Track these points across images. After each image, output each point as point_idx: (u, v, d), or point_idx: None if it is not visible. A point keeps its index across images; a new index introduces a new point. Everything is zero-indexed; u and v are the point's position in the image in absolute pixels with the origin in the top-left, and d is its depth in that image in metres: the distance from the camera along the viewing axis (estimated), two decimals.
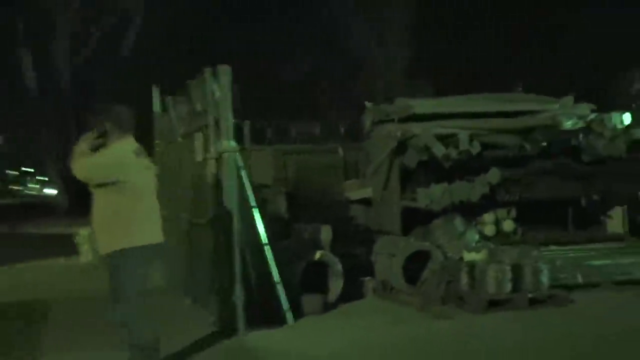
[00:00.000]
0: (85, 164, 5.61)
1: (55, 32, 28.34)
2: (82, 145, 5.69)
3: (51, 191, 36.08)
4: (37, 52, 28.44)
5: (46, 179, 42.26)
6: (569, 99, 10.02)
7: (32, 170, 61.20)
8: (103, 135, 5.71)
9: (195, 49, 24.25)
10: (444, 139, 9.19)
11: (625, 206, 9.44)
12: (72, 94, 29.08)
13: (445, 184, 9.28)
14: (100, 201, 5.65)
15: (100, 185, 5.57)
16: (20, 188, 65.18)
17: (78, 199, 29.63)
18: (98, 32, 28.73)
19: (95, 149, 5.66)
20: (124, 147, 5.66)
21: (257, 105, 10.94)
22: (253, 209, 7.49)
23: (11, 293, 10.17)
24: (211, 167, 7.25)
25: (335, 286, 8.37)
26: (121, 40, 29.38)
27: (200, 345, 6.90)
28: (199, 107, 7.92)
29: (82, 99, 29.24)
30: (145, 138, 12.14)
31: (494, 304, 7.70)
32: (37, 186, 59.68)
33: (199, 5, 28.09)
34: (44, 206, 34.57)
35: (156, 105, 10.60)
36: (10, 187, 63.32)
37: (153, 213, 5.79)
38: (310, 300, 7.97)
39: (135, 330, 5.55)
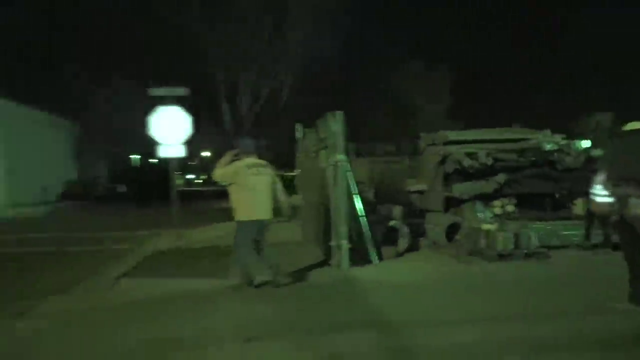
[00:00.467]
0: (217, 172, 6.14)
1: (239, 89, 29.06)
2: (222, 161, 6.21)
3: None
4: (230, 102, 29.25)
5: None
6: (547, 132, 9.79)
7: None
8: (237, 154, 6.17)
9: (321, 100, 24.41)
10: (470, 155, 9.07)
11: (584, 198, 9.00)
12: (251, 131, 29.93)
13: (470, 182, 9.13)
14: (231, 193, 6.12)
15: (228, 184, 6.06)
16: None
17: None
18: (266, 89, 29.25)
19: (230, 162, 6.13)
20: (241, 163, 6.08)
21: (354, 133, 10.99)
22: (354, 195, 7.50)
23: (214, 240, 10.37)
24: (330, 171, 7.28)
25: (403, 243, 8.30)
26: (280, 94, 29.84)
27: (319, 274, 6.96)
28: (322, 134, 8.01)
29: (258, 133, 30.16)
30: (292, 152, 12.42)
31: (501, 256, 7.48)
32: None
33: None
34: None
35: (299, 133, 10.76)
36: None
37: (262, 201, 6.03)
38: (387, 251, 7.91)
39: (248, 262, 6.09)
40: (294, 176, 22.38)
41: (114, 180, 33.55)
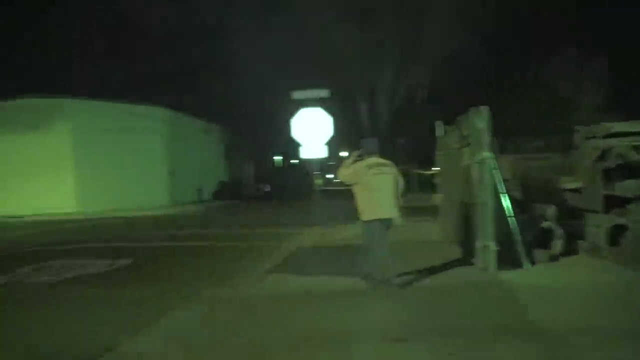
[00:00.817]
0: (340, 172, 6.23)
1: (378, 92, 29.12)
2: (346, 161, 6.26)
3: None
4: (368, 102, 29.43)
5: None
6: None
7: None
8: (361, 155, 6.17)
9: (461, 96, 23.44)
10: (636, 148, 8.09)
11: None
12: (389, 129, 29.83)
13: (636, 179, 8.15)
14: (355, 193, 6.10)
15: (351, 184, 6.10)
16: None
17: None
18: (403, 87, 29.02)
19: (353, 162, 6.15)
20: (362, 164, 6.07)
21: (499, 129, 10.38)
22: (502, 194, 7.08)
23: (354, 238, 10.44)
24: (475, 169, 6.93)
25: (557, 245, 7.66)
26: (418, 91, 29.42)
27: (464, 276, 6.66)
28: (465, 131, 7.67)
29: (395, 129, 30.03)
30: (430, 150, 12.10)
31: None
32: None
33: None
34: None
35: (439, 132, 10.43)
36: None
37: (384, 201, 5.95)
38: (539, 254, 7.35)
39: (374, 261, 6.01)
40: (433, 174, 21.83)
41: (260, 180, 35.59)
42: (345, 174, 6.20)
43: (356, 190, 6.14)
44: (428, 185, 30.25)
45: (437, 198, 11.66)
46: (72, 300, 6.61)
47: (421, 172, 37.62)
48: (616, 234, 7.61)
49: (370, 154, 6.20)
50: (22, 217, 24.48)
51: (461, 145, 8.18)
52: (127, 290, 7.03)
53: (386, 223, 6.05)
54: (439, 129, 10.47)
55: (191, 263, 9.21)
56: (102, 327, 5.32)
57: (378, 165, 6.12)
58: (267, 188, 33.23)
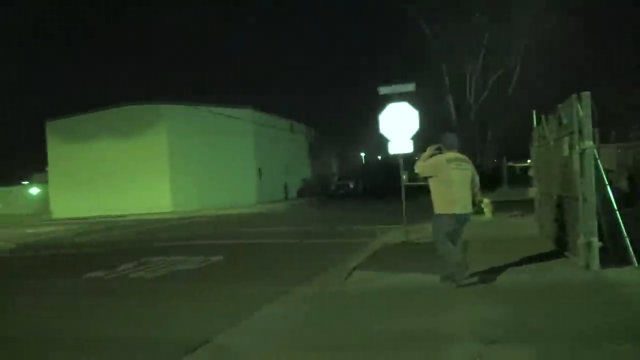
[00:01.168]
0: (418, 165, 6.14)
1: (467, 83, 28.27)
2: (424, 154, 6.20)
3: None
4: (456, 95, 28.67)
5: None
6: None
7: None
8: (439, 149, 6.11)
9: (555, 84, 22.05)
10: None
11: None
12: (477, 120, 28.89)
13: None
14: (431, 186, 6.04)
15: (426, 177, 6.05)
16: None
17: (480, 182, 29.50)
18: (493, 78, 27.94)
19: (432, 156, 6.09)
20: (441, 157, 6.00)
21: (601, 117, 9.65)
22: (606, 186, 6.56)
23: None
24: (576, 160, 6.44)
25: None
26: (508, 83, 28.21)
27: (564, 274, 6.25)
28: (565, 121, 7.17)
29: (484, 122, 28.99)
30: (523, 142, 11.49)
31: None
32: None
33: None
34: None
35: (534, 122, 9.87)
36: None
37: (461, 196, 5.90)
38: None
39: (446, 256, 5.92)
40: (527, 167, 20.77)
41: (344, 177, 35.76)
42: (423, 167, 6.12)
43: (433, 183, 6.04)
44: (519, 178, 28.86)
45: (532, 191, 11.07)
46: (170, 295, 6.96)
47: (512, 165, 36.02)
48: None
49: (449, 148, 6.10)
50: (124, 216, 26.27)
51: (560, 136, 7.67)
52: (219, 286, 7.29)
53: (462, 218, 5.96)
54: (534, 119, 9.90)
55: (280, 260, 9.40)
56: (198, 321, 5.54)
57: (457, 160, 6.03)
58: (352, 185, 33.25)
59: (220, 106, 30.72)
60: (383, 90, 9.92)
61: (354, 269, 7.51)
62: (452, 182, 5.89)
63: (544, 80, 24.15)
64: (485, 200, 13.40)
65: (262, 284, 7.16)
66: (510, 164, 35.89)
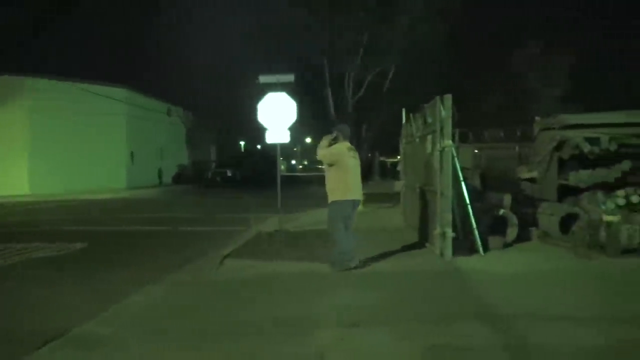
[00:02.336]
0: (322, 152, 6.47)
1: (345, 79, 29.09)
2: (323, 142, 6.57)
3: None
4: (334, 90, 29.40)
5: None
6: None
7: None
8: (335, 138, 6.55)
9: (426, 85, 23.52)
10: (590, 140, 8.35)
11: None
12: (354, 114, 29.88)
13: (590, 170, 8.44)
14: (329, 173, 6.44)
15: (329, 165, 6.40)
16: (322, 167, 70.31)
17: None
18: (370, 76, 29.02)
19: (330, 145, 6.49)
20: (343, 146, 6.46)
21: (462, 118, 10.56)
22: (461, 182, 7.21)
23: (317, 224, 10.48)
24: (437, 157, 7.00)
25: (512, 232, 7.84)
26: (384, 82, 29.48)
27: (422, 262, 6.77)
28: (429, 120, 7.74)
29: (360, 118, 30.09)
30: (394, 138, 12.18)
31: (625, 252, 6.85)
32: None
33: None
34: None
35: (403, 119, 10.51)
36: (319, 166, 69.05)
37: (355, 182, 6.42)
38: (494, 240, 7.52)
39: (340, 242, 6.35)
40: (396, 162, 22.03)
41: (222, 165, 35.20)
42: (327, 154, 6.44)
43: (332, 171, 6.38)
44: (390, 173, 30.58)
45: (399, 185, 11.79)
46: (25, 284, 6.40)
47: (384, 159, 38.00)
48: (568, 223, 7.86)
49: (346, 138, 6.54)
50: None
51: (424, 133, 8.26)
52: (82, 274, 6.85)
53: (356, 204, 6.47)
54: (404, 117, 10.54)
55: (149, 247, 9.04)
56: (56, 311, 5.17)
57: (352, 149, 6.53)
58: (230, 173, 32.88)
59: (92, 84, 28.61)
60: (263, 79, 9.94)
61: (226, 257, 7.46)
62: (349, 170, 6.33)
63: (417, 81, 25.72)
64: None
65: (129, 272, 6.86)
66: (383, 158, 37.84)
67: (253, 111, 10.09)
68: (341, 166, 6.33)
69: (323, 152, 6.47)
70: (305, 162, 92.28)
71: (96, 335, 4.29)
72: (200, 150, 41.71)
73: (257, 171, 32.92)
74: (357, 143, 31.39)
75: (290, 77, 9.82)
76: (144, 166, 33.33)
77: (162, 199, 22.42)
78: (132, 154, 31.97)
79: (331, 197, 6.39)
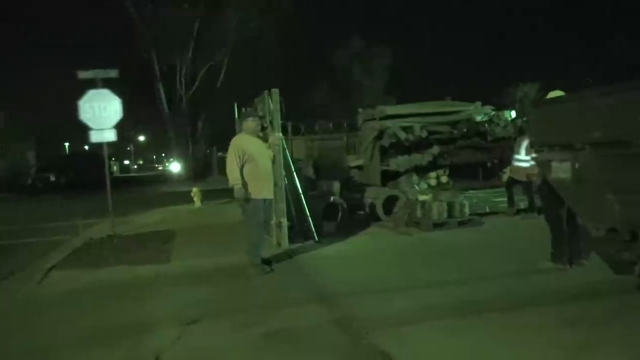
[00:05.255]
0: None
1: (177, 73, 28.22)
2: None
3: (175, 167, 36.03)
4: (167, 85, 28.42)
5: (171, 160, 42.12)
6: (478, 103, 10.06)
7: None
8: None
9: (259, 78, 23.87)
10: (405, 129, 9.26)
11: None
12: (188, 111, 29.11)
13: (406, 156, 9.37)
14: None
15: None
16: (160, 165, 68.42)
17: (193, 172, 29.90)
18: (203, 70, 28.53)
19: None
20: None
21: (294, 111, 10.93)
22: (294, 172, 7.49)
23: (153, 225, 10.18)
24: (271, 149, 7.16)
25: (342, 217, 8.36)
26: (217, 76, 29.16)
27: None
28: (260, 113, 7.88)
29: (195, 113, 29.40)
30: (231, 132, 12.16)
31: (437, 225, 7.72)
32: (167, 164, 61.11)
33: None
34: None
35: (235, 114, 10.53)
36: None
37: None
38: (328, 225, 8.01)
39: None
40: None
41: (45, 169, 31.88)
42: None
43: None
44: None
45: None
46: None
47: (222, 155, 37.66)
48: (390, 204, 8.64)
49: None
50: None
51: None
52: None
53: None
54: (236, 111, 10.56)
55: None
56: None
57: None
58: (53, 177, 29.94)
59: None
60: (83, 74, 9.23)
61: (52, 268, 6.86)
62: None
63: (249, 76, 25.94)
64: (195, 189, 13.81)
65: None
66: (221, 154, 37.48)
67: (77, 110, 9.35)
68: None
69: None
70: (141, 162, 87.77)
71: None
72: (19, 153, 37.28)
73: (84, 174, 30.44)
74: (194, 139, 30.78)
75: (113, 73, 9.27)
76: None
77: None
78: None
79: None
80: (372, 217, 8.85)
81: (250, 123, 6.11)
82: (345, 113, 16.64)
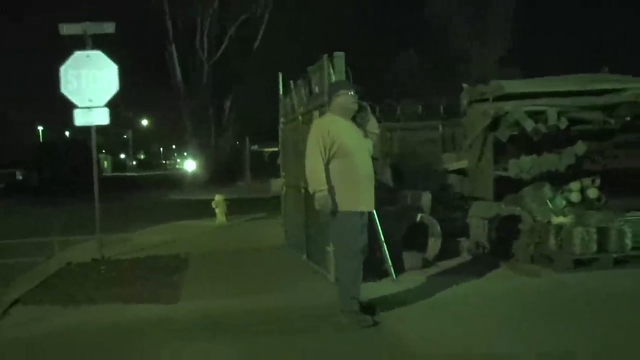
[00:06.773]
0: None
1: (197, 30, 28.70)
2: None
3: (191, 165, 36.72)
4: (182, 49, 28.94)
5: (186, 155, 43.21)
6: None
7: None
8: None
9: (314, 41, 24.02)
10: (534, 115, 9.01)
11: None
12: (211, 86, 29.45)
13: (534, 156, 9.14)
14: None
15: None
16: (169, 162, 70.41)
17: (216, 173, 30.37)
18: (234, 27, 28.87)
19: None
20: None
21: (369, 87, 10.85)
22: None
23: (157, 248, 10.36)
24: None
25: (434, 245, 8.25)
26: (254, 37, 29.49)
27: (313, 293, 6.88)
28: (316, 89, 7.89)
29: (221, 90, 29.74)
30: (273, 117, 12.29)
31: (580, 263, 7.47)
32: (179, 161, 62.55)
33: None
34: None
35: (280, 90, 10.60)
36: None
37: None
38: (410, 257, 7.88)
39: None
40: (276, 152, 22.24)
41: (10, 164, 33.33)
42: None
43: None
44: (267, 168, 30.71)
45: (277, 184, 11.92)
46: None
47: (258, 149, 38.07)
48: (508, 228, 8.42)
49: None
50: None
51: (309, 109, 8.39)
52: None
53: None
54: (280, 85, 10.63)
55: None
56: None
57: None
58: (21, 175, 31.27)
59: None
60: (67, 29, 9.55)
61: (14, 303, 7.10)
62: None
63: (299, 37, 26.14)
64: (218, 198, 13.97)
65: None
66: (256, 147, 37.90)
67: (56, 80, 9.69)
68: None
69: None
70: (142, 156, 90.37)
71: None
72: None
73: (65, 170, 31.61)
74: (218, 126, 31.24)
75: (108, 27, 9.53)
76: None
77: None
78: None
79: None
80: (479, 246, 8.67)
81: (344, 98, 5.72)
82: (441, 90, 16.45)
